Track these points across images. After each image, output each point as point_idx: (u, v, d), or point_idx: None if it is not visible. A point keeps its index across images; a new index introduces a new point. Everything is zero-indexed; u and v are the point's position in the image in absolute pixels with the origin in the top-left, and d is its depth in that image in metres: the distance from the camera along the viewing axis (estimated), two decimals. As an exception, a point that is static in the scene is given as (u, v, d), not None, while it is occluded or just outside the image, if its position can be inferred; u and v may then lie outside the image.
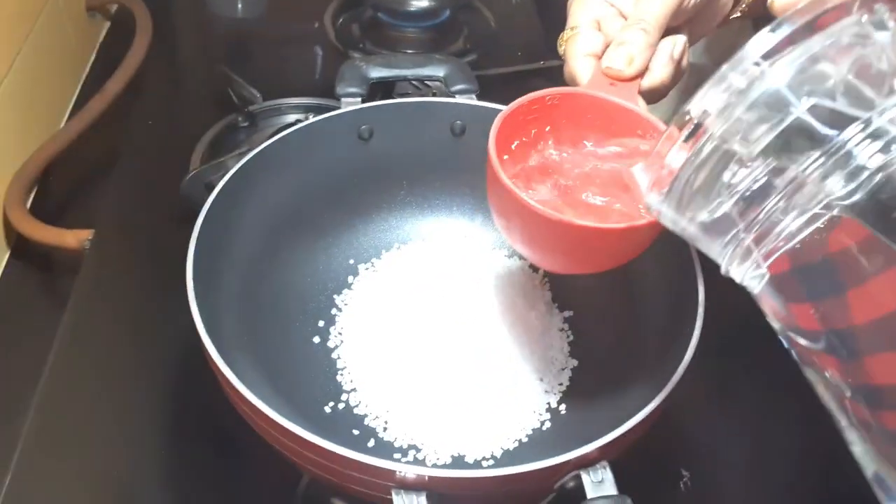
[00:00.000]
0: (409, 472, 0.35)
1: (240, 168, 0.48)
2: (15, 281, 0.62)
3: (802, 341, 0.30)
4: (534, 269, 0.54)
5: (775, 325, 0.31)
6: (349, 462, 0.35)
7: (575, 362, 0.50)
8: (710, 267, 0.43)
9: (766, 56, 0.28)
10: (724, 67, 0.29)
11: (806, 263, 0.29)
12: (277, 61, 0.81)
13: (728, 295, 0.47)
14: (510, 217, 0.40)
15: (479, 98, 0.55)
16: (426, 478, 0.35)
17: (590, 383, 0.49)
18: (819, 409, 0.31)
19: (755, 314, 0.34)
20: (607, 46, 0.44)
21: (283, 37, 0.85)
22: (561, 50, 0.46)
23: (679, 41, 0.44)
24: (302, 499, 0.46)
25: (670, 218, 0.32)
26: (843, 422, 0.30)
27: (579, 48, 0.44)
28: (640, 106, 0.42)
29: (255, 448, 0.41)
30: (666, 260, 0.47)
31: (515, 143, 0.41)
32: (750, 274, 0.30)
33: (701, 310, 0.42)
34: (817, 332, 0.29)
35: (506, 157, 0.40)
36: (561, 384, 0.49)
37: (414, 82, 0.72)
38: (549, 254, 0.41)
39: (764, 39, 0.28)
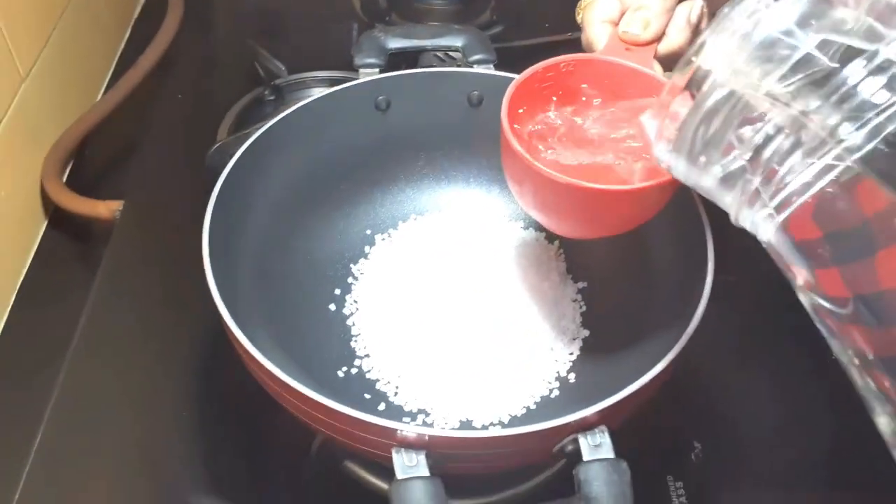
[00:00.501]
0: (409, 430, 0.36)
1: (256, 139, 0.49)
2: (53, 250, 0.64)
3: (827, 306, 0.29)
4: (549, 240, 0.55)
5: (798, 290, 0.29)
6: (352, 420, 0.36)
7: (586, 332, 0.50)
8: (725, 239, 0.43)
9: None
10: (726, 9, 0.28)
11: (833, 226, 0.28)
12: (304, 35, 0.82)
13: (749, 271, 0.47)
14: (522, 182, 0.40)
15: (506, 69, 0.55)
16: (426, 437, 0.36)
17: (600, 353, 0.49)
18: (842, 384, 0.30)
19: (774, 289, 0.34)
20: (624, 14, 0.43)
21: (311, 10, 0.85)
22: (579, 18, 0.46)
23: (696, 5, 0.43)
24: (315, 461, 0.48)
25: (682, 171, 0.31)
26: (863, 390, 0.29)
27: (596, 15, 0.44)
28: (656, 70, 0.42)
29: (272, 412, 0.42)
30: (682, 235, 0.46)
31: (529, 108, 0.42)
32: (760, 221, 0.29)
33: (709, 279, 0.42)
34: (844, 298, 0.28)
35: (521, 117, 0.41)
36: (571, 353, 0.49)
37: (438, 54, 0.72)
38: (562, 218, 0.42)
39: None
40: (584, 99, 0.42)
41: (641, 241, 0.50)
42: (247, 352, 0.38)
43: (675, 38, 0.43)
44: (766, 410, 0.52)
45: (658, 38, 0.43)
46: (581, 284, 0.53)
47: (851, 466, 0.49)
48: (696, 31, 0.44)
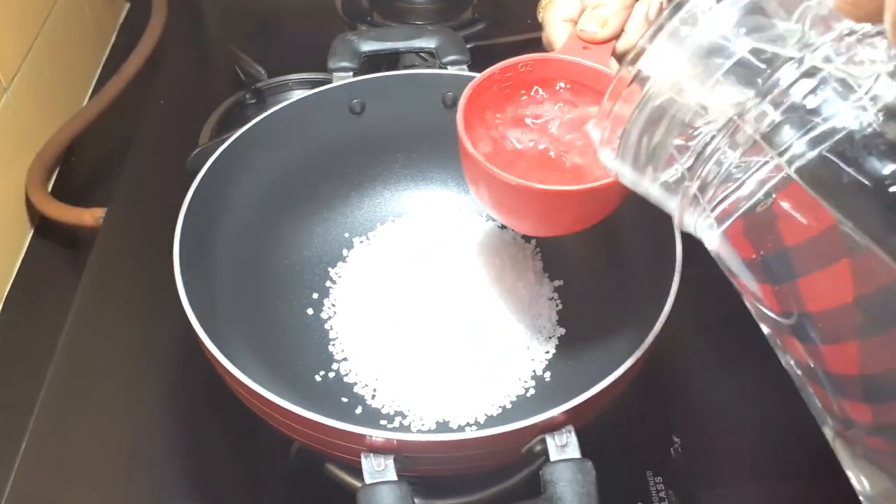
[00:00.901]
0: (377, 436, 0.36)
1: (230, 145, 0.49)
2: (40, 258, 0.65)
3: (773, 316, 0.29)
4: (525, 239, 0.55)
5: (745, 300, 0.30)
6: (320, 427, 0.37)
7: (562, 331, 0.50)
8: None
9: None
10: (666, 13, 0.28)
11: (761, 245, 0.28)
12: (288, 37, 0.83)
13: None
14: (478, 182, 0.41)
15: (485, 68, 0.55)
16: (394, 442, 0.36)
17: (576, 351, 0.49)
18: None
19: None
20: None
21: (293, 12, 0.86)
22: (540, 17, 0.46)
23: (654, 3, 0.44)
24: (295, 463, 0.48)
25: (629, 179, 0.31)
26: (805, 397, 0.29)
27: (556, 13, 0.45)
28: (613, 68, 0.42)
29: (254, 415, 0.42)
30: (654, 230, 0.46)
31: (494, 107, 0.42)
32: (703, 229, 0.29)
33: (677, 276, 0.42)
34: (781, 312, 0.28)
35: (486, 117, 0.41)
36: (547, 352, 0.49)
37: (422, 55, 0.72)
38: (519, 217, 0.43)
39: None
40: (543, 97, 0.43)
41: (617, 238, 0.50)
42: (213, 356, 0.39)
43: (633, 36, 0.43)
44: (745, 404, 0.52)
45: (616, 36, 0.43)
46: (558, 282, 0.53)
47: (832, 458, 0.49)
48: None
